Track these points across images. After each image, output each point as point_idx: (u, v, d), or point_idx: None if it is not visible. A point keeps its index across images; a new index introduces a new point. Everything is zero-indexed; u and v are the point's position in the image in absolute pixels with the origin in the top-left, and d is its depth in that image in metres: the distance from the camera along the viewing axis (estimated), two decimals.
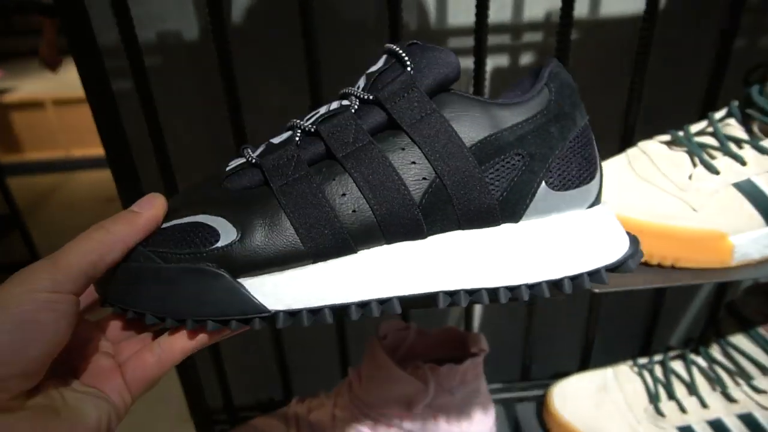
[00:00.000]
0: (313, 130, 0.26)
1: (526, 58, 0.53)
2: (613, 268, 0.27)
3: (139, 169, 0.41)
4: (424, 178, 0.26)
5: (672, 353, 0.53)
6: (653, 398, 0.50)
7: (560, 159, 0.27)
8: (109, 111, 0.38)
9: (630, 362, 0.55)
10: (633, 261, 0.28)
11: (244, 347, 0.67)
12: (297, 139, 0.27)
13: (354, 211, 0.25)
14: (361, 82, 0.28)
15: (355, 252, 0.26)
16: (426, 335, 0.50)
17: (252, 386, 0.64)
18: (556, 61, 0.29)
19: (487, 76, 0.52)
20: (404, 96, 0.26)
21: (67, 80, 2.55)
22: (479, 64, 0.44)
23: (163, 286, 0.25)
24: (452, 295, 0.27)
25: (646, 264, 0.37)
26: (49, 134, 2.45)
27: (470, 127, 0.26)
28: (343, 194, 0.25)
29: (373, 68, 0.28)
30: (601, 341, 0.63)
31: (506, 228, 0.27)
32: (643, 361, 0.54)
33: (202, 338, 0.26)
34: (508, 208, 0.26)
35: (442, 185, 0.26)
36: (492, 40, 0.51)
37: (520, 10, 0.51)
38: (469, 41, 0.44)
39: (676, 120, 0.43)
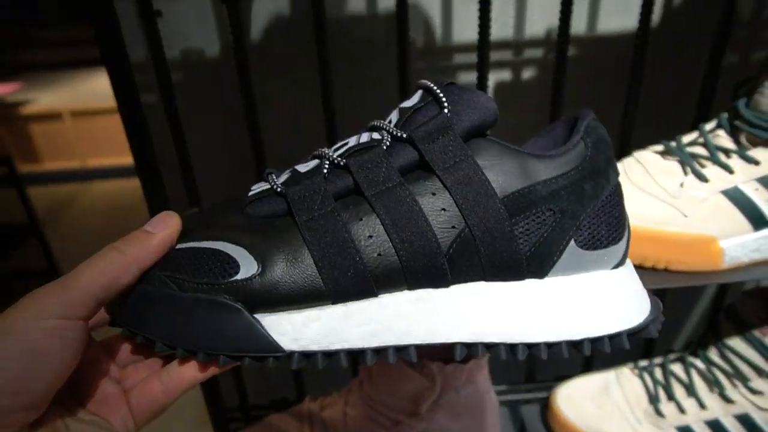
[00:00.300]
0: (342, 163, 0.26)
1: (527, 73, 0.56)
2: (635, 333, 0.27)
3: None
4: (453, 227, 0.25)
5: (672, 356, 0.55)
6: (653, 399, 0.51)
7: (591, 217, 0.26)
8: (138, 122, 0.41)
9: (631, 365, 0.57)
10: (654, 326, 0.27)
11: None
12: (325, 171, 0.26)
13: (379, 254, 0.25)
14: (393, 116, 0.27)
15: (376, 296, 0.25)
16: None
17: (266, 386, 0.66)
18: (592, 113, 0.28)
19: (490, 90, 0.55)
20: (439, 138, 0.25)
21: (85, 92, 2.62)
22: (482, 79, 0.46)
23: (177, 315, 0.24)
24: (470, 347, 0.26)
25: (640, 267, 0.39)
26: (66, 145, 2.51)
27: (504, 178, 0.25)
28: (370, 236, 0.25)
29: (408, 103, 0.27)
30: None
31: (530, 283, 0.26)
32: (643, 363, 0.56)
33: (212, 369, 0.26)
34: (535, 264, 0.26)
35: (471, 235, 0.25)
36: (494, 55, 0.54)
37: (521, 27, 0.54)
38: (472, 57, 0.46)
39: (672, 129, 0.45)
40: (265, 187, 0.27)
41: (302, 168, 0.27)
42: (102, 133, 2.41)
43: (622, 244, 0.28)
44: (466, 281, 0.26)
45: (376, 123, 0.27)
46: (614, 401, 0.53)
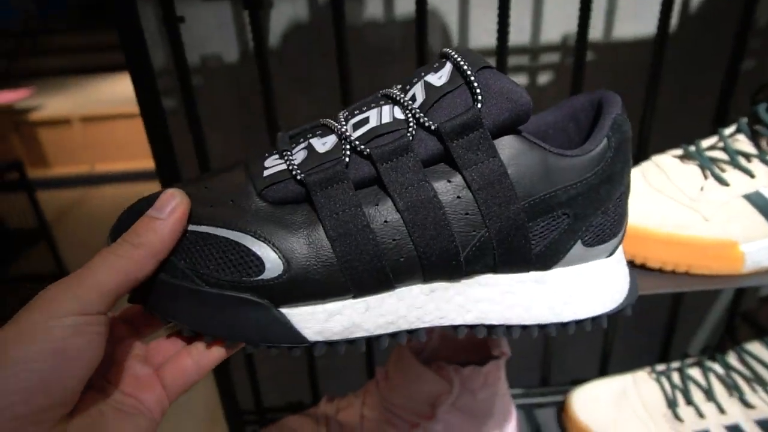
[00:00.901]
0: (366, 153, 0.25)
1: (543, 78, 0.56)
2: (614, 313, 0.29)
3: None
4: (473, 231, 0.25)
5: (689, 360, 0.55)
6: (671, 404, 0.51)
7: (600, 217, 0.27)
8: (160, 126, 0.42)
9: (648, 369, 0.56)
10: (630, 308, 0.29)
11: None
12: (346, 160, 0.25)
13: (402, 258, 0.25)
14: (419, 93, 0.26)
15: (394, 289, 0.26)
16: (450, 338, 0.52)
17: (282, 388, 0.66)
18: (620, 103, 0.28)
19: None
20: (468, 135, 0.24)
21: (94, 98, 2.64)
22: None
23: (202, 308, 0.25)
24: (472, 327, 0.28)
25: (660, 271, 0.39)
26: (75, 150, 2.52)
27: (528, 181, 0.25)
28: (394, 239, 0.25)
29: (435, 80, 0.25)
30: (619, 350, 0.64)
31: (534, 275, 0.27)
32: (661, 368, 0.56)
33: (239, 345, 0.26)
34: (542, 262, 0.27)
35: (489, 239, 0.25)
36: (512, 60, 0.54)
37: (537, 32, 0.54)
38: (490, 62, 0.47)
39: (686, 134, 0.45)
40: (281, 168, 0.26)
41: (319, 146, 0.26)
42: (111, 138, 2.43)
43: (621, 235, 0.29)
44: (477, 274, 0.27)
45: (397, 95, 0.26)
46: (631, 405, 0.53)
